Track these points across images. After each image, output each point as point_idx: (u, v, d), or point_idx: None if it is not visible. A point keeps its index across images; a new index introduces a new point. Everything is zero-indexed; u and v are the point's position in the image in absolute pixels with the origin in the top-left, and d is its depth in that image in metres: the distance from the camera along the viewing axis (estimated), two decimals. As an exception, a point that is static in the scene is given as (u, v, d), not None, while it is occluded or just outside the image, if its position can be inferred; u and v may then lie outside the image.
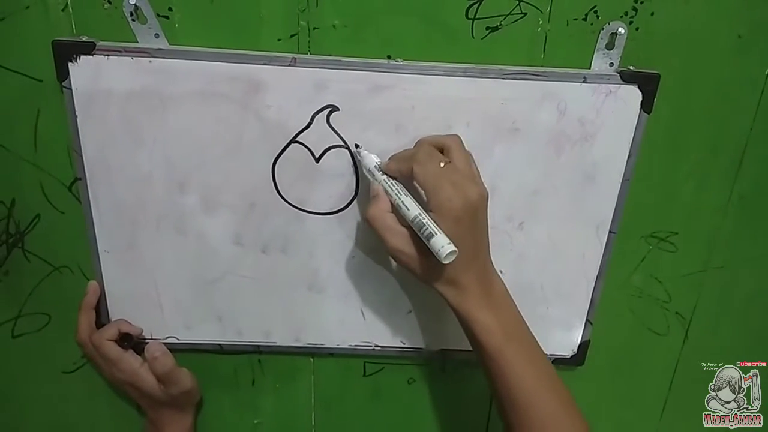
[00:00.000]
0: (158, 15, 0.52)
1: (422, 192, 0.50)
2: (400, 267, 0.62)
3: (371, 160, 0.55)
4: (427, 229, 0.48)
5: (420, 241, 0.49)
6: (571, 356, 0.69)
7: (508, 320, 0.53)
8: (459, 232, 0.48)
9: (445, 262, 0.47)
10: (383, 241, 0.51)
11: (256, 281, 0.63)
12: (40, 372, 0.69)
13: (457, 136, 0.53)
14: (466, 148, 0.54)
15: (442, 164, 0.50)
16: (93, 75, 0.53)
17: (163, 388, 0.63)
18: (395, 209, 0.52)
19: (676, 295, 0.68)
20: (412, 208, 0.50)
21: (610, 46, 0.55)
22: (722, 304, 0.69)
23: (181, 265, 0.62)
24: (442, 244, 0.47)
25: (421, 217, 0.49)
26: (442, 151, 0.52)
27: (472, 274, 0.51)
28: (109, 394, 0.70)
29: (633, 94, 0.56)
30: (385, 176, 0.53)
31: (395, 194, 0.51)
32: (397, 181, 0.53)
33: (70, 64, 0.52)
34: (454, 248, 0.47)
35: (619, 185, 0.60)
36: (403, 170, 0.52)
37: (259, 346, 0.66)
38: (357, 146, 0.56)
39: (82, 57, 0.52)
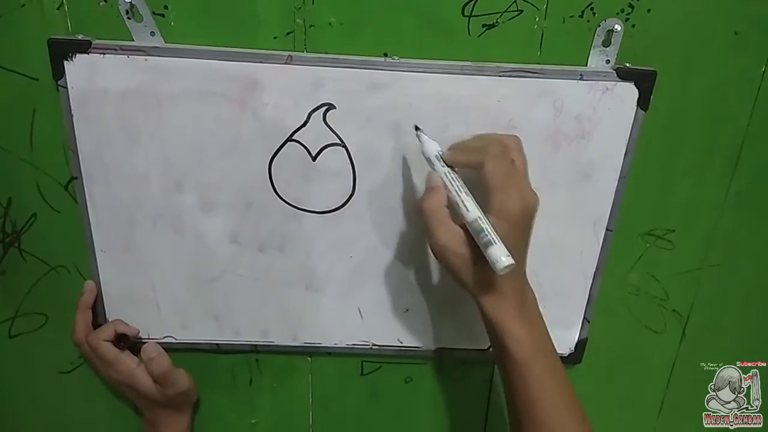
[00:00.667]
0: (154, 13, 0.52)
1: (485, 189, 0.48)
2: (397, 266, 0.62)
3: (433, 146, 0.52)
4: (486, 235, 0.45)
5: (471, 244, 0.47)
6: (569, 354, 0.69)
7: (538, 333, 0.52)
8: (514, 238, 0.47)
9: (501, 274, 0.45)
10: (432, 236, 0.49)
11: (253, 280, 0.63)
12: (37, 372, 0.69)
13: (518, 137, 0.51)
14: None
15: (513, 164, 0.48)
16: (89, 73, 0.53)
17: (160, 389, 0.63)
18: (450, 205, 0.49)
19: (673, 293, 0.68)
20: (473, 210, 0.47)
21: (606, 43, 0.55)
22: (719, 302, 0.69)
23: (178, 265, 0.62)
24: (501, 256, 0.44)
25: (480, 221, 0.46)
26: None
27: (511, 282, 0.50)
28: (107, 394, 0.70)
29: (629, 92, 0.56)
30: (446, 168, 0.51)
31: (455, 190, 0.49)
32: (457, 173, 0.50)
33: (65, 62, 0.52)
34: (512, 261, 0.44)
35: (616, 183, 0.60)
36: (473, 162, 0.49)
37: (256, 345, 0.66)
38: (417, 128, 0.53)
39: (77, 55, 0.52)
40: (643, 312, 0.69)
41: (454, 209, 0.49)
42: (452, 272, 0.50)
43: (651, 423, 0.76)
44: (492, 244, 0.45)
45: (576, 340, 0.68)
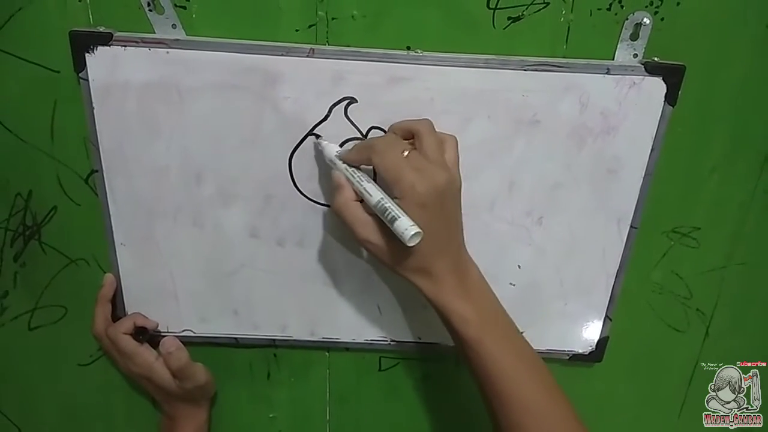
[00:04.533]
0: (175, 5, 0.52)
1: (383, 182, 0.49)
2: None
3: (331, 149, 0.53)
4: (390, 213, 0.46)
5: (388, 229, 0.47)
6: (590, 353, 0.68)
7: (486, 309, 0.52)
8: (427, 218, 0.47)
9: (410, 244, 0.45)
10: (352, 233, 0.50)
11: (272, 274, 0.62)
12: (57, 364, 0.69)
13: (428, 120, 0.51)
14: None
15: (405, 153, 0.48)
16: (110, 66, 0.52)
17: (178, 383, 0.63)
18: (359, 199, 0.50)
19: (698, 292, 0.67)
20: (374, 193, 0.48)
21: (634, 36, 0.54)
22: (744, 301, 0.68)
23: (198, 258, 0.61)
24: (406, 226, 0.45)
25: (383, 202, 0.47)
26: (413, 137, 0.51)
27: (445, 262, 0.50)
28: (125, 387, 0.70)
29: (657, 86, 0.54)
30: (345, 164, 0.52)
31: (357, 181, 0.50)
32: (358, 169, 0.51)
33: (87, 55, 0.52)
34: (418, 229, 0.45)
35: (641, 179, 0.58)
36: (363, 161, 0.50)
37: (274, 339, 0.66)
38: (317, 136, 0.55)
39: (99, 48, 0.52)
40: (667, 310, 0.68)
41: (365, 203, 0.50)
42: (382, 262, 0.51)
43: (672, 422, 0.75)
44: (396, 218, 0.46)
45: (597, 338, 0.67)
